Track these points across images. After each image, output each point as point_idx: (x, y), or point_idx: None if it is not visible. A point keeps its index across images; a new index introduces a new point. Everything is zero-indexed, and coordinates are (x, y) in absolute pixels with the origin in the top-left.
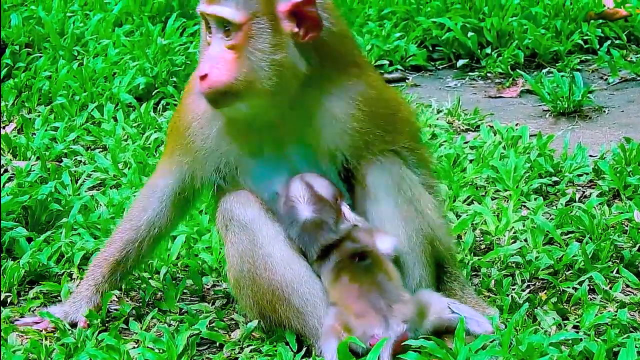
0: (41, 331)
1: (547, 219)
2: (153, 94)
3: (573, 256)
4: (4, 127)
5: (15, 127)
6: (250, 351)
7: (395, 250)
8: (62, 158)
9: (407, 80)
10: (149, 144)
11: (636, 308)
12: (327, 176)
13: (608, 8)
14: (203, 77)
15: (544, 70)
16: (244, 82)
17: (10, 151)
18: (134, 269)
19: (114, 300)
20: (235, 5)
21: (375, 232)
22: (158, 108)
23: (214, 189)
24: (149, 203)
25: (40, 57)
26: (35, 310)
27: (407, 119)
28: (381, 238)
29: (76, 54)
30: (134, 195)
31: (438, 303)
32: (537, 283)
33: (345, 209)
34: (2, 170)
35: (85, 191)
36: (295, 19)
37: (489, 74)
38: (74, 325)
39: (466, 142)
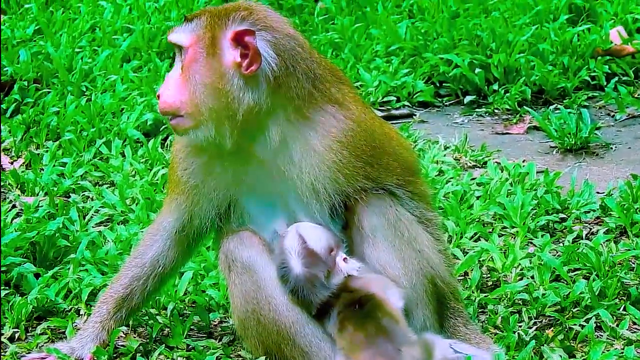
0: None
1: (554, 255)
2: (161, 129)
3: (580, 293)
4: (11, 163)
5: (24, 163)
6: None
7: (404, 301)
8: (70, 194)
9: (414, 117)
10: (157, 179)
11: None
12: (323, 223)
13: (615, 45)
14: (158, 98)
15: (551, 107)
16: (188, 104)
17: (19, 187)
18: (140, 306)
19: (121, 336)
20: (187, 30)
21: (379, 282)
22: (166, 144)
23: (217, 227)
24: (154, 241)
25: (49, 92)
26: (42, 346)
27: (397, 153)
28: (389, 291)
29: (84, 90)
30: (142, 231)
31: (442, 344)
32: (543, 320)
33: (340, 260)
34: (10, 206)
35: (93, 227)
36: (240, 49)
37: (496, 110)
38: None
39: (473, 179)
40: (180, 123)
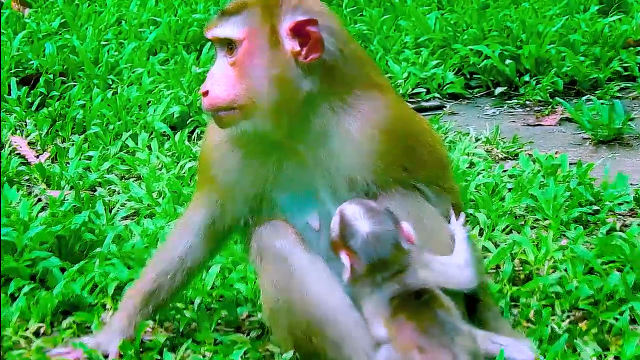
0: None
1: (587, 248)
2: (187, 122)
3: (614, 286)
4: (37, 156)
5: (49, 156)
6: None
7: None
8: (96, 187)
9: (444, 109)
10: (184, 173)
11: None
12: None
13: None
14: (205, 94)
15: (583, 98)
16: (244, 98)
17: (44, 180)
18: (167, 302)
19: (148, 330)
20: (235, 23)
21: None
22: (193, 137)
23: (246, 221)
24: (183, 236)
25: (75, 85)
26: (68, 340)
27: (430, 145)
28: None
29: (110, 83)
30: (168, 225)
31: (479, 335)
32: (577, 313)
33: (406, 225)
34: (36, 200)
35: (119, 221)
36: (297, 39)
37: (527, 102)
38: (106, 356)
39: (505, 171)
40: (230, 115)
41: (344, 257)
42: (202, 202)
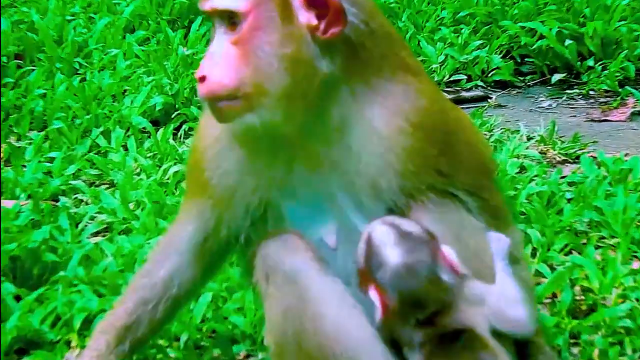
0: None
1: None
2: (173, 116)
3: None
4: None
5: (2, 158)
6: None
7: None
8: (60, 196)
9: (489, 100)
10: (168, 178)
11: None
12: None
13: None
14: (202, 80)
15: None
16: (250, 83)
17: None
18: (148, 338)
19: None
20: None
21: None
22: (179, 134)
23: (248, 236)
24: (167, 256)
25: (33, 70)
26: None
27: (472, 144)
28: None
29: (77, 67)
30: (148, 243)
31: None
32: None
33: (448, 251)
34: None
35: (88, 238)
36: (314, 10)
37: (591, 92)
38: None
39: (563, 177)
40: (233, 106)
41: (373, 293)
42: (192, 214)
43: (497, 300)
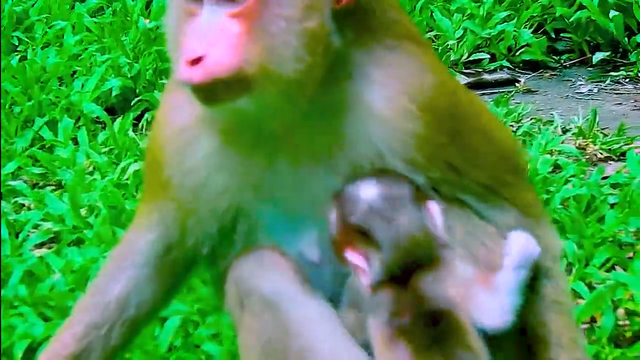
0: None
1: None
2: (132, 103)
3: None
4: None
5: None
6: None
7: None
8: None
9: (517, 84)
10: (127, 179)
11: None
12: None
13: None
14: (196, 61)
15: None
16: (258, 63)
17: None
18: None
19: None
20: None
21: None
22: (140, 125)
23: (216, 248)
24: (122, 269)
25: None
26: None
27: (489, 132)
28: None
29: (16, 44)
30: (103, 257)
31: None
32: None
33: (433, 206)
34: None
35: (31, 250)
36: None
37: None
38: None
39: (605, 178)
40: (232, 90)
41: (351, 255)
42: (152, 220)
43: (478, 302)
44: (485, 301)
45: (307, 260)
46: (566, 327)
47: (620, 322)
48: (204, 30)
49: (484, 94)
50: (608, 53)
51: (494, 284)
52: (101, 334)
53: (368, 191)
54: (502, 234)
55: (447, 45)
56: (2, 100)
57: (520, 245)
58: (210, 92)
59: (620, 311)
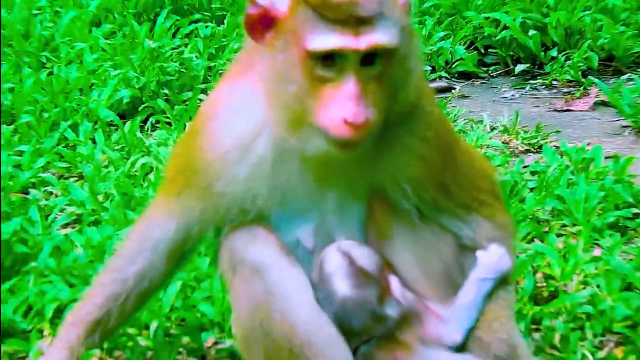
0: None
1: (625, 259)
2: (139, 109)
3: None
4: None
5: None
6: None
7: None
8: (29, 189)
9: (453, 91)
10: (135, 171)
11: None
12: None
13: None
14: (359, 123)
15: (623, 77)
16: (379, 114)
17: None
18: (117, 328)
19: None
20: (385, 26)
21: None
22: (146, 127)
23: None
24: (140, 252)
25: (1, 65)
26: None
27: (470, 153)
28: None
29: (45, 61)
30: (117, 234)
31: None
32: (611, 338)
33: (395, 283)
34: None
35: (58, 229)
36: None
37: (554, 82)
38: None
39: (525, 166)
40: (366, 140)
41: None
42: (171, 213)
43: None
44: (440, 332)
45: (303, 246)
46: (503, 317)
47: (539, 284)
48: (357, 94)
49: None
50: (527, 65)
51: (447, 315)
52: (119, 303)
53: (341, 290)
54: (473, 249)
55: None
56: (32, 108)
57: (493, 259)
58: (355, 145)
59: (539, 275)
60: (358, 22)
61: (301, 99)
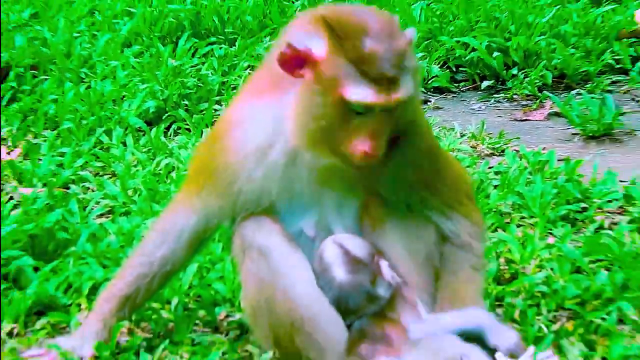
0: None
1: (575, 246)
2: (163, 117)
3: (601, 285)
4: (8, 153)
5: (21, 153)
6: None
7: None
8: (70, 185)
9: (429, 103)
10: (160, 169)
11: None
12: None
13: None
14: (370, 153)
15: (573, 92)
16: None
17: (16, 178)
18: (143, 304)
19: (124, 331)
20: (410, 79)
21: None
22: (169, 132)
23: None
24: (165, 240)
25: (46, 79)
26: (42, 342)
27: (449, 159)
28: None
29: (83, 77)
30: (144, 223)
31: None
32: (563, 313)
33: (385, 266)
34: (8, 197)
35: (94, 219)
36: None
37: (515, 96)
38: (81, 358)
39: (490, 167)
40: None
41: None
42: (193, 207)
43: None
44: (409, 323)
45: (305, 235)
46: (473, 278)
47: (502, 267)
48: (377, 135)
49: None
50: (492, 81)
51: (427, 318)
52: (145, 282)
53: (338, 276)
54: (452, 239)
55: None
56: (73, 116)
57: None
58: (367, 167)
59: (502, 260)
60: (389, 82)
61: (328, 132)
